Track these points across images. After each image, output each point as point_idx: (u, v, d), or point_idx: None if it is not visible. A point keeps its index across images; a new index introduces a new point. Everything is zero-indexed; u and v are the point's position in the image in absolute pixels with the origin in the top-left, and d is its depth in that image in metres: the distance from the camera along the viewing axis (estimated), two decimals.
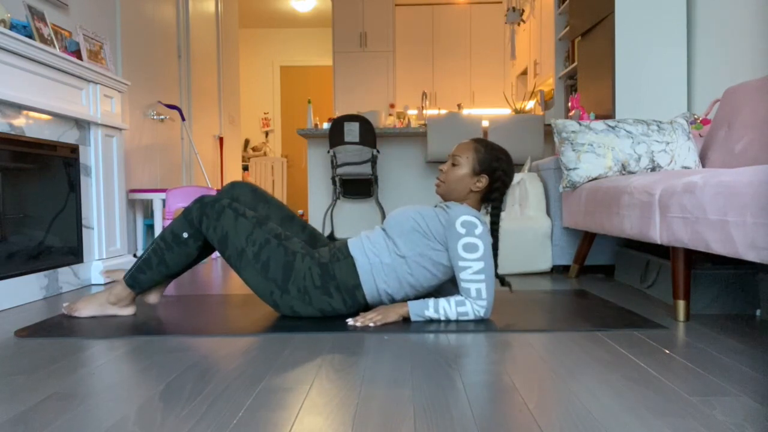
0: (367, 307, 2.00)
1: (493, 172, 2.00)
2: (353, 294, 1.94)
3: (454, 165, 2.02)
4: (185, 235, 1.97)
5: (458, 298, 1.90)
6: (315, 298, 1.92)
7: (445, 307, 1.89)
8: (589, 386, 1.29)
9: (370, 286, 1.94)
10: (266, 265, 1.91)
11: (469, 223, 1.86)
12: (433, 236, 1.92)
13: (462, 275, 1.87)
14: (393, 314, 1.90)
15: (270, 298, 1.95)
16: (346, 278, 1.92)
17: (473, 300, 1.87)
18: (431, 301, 1.91)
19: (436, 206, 2.04)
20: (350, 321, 1.91)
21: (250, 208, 2.08)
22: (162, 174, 4.66)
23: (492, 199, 2.03)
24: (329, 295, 1.92)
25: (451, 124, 4.22)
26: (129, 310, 2.08)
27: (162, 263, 1.99)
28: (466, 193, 2.02)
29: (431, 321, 1.91)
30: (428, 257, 1.93)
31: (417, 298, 2.02)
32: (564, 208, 2.94)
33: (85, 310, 2.05)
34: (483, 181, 2.00)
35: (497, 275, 2.10)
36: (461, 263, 1.86)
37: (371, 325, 1.87)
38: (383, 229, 2.01)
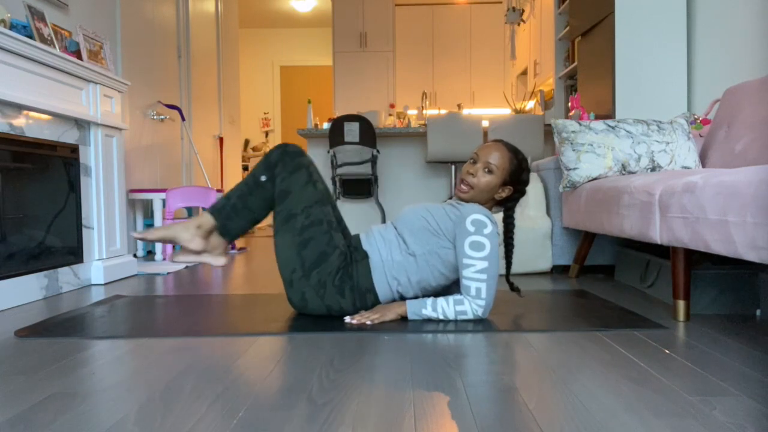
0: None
1: (518, 183, 2.02)
2: (364, 297, 1.95)
3: (489, 172, 1.97)
4: (263, 178, 1.95)
5: (457, 297, 1.90)
6: (329, 295, 1.93)
7: (443, 306, 1.89)
8: (589, 386, 1.29)
9: (382, 285, 1.95)
10: (306, 242, 1.90)
11: (479, 221, 1.86)
12: (443, 234, 1.92)
13: (465, 272, 1.87)
14: (391, 313, 1.90)
15: (289, 274, 1.93)
16: (361, 280, 1.94)
17: (472, 299, 1.87)
18: (429, 300, 1.91)
19: (445, 202, 2.04)
20: (347, 319, 1.92)
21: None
22: (162, 174, 4.66)
23: (508, 206, 2.06)
24: (342, 295, 1.93)
25: (451, 124, 4.22)
26: (221, 260, 2.02)
27: (246, 208, 1.96)
28: (488, 199, 2.02)
29: (429, 320, 1.91)
30: (438, 255, 1.93)
31: (426, 297, 2.02)
32: (564, 208, 2.94)
33: (183, 257, 2.00)
34: (507, 192, 2.01)
35: (509, 282, 2.11)
36: (465, 260, 1.86)
37: (368, 323, 1.87)
38: (394, 227, 2.02)
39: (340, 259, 1.93)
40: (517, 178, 2.01)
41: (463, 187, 2.00)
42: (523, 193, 2.05)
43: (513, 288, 2.13)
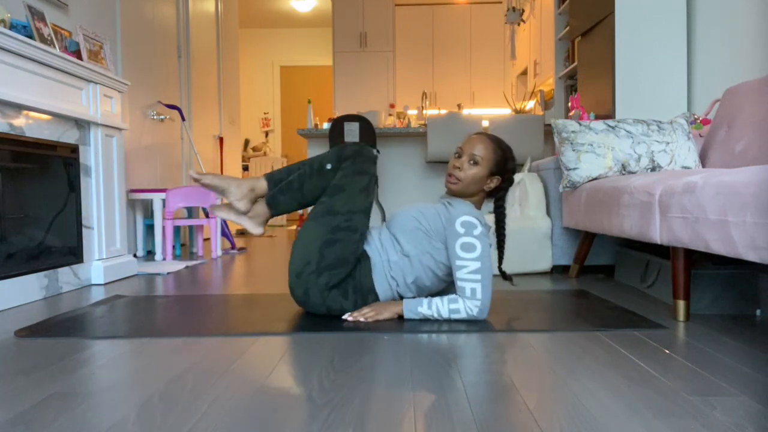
0: None
1: (504, 173, 2.02)
2: (366, 297, 1.97)
3: (474, 164, 1.97)
4: (329, 166, 1.97)
5: (452, 296, 1.90)
6: (332, 296, 1.94)
7: (438, 305, 1.89)
8: (589, 386, 1.29)
9: (383, 285, 1.96)
10: (332, 242, 1.90)
11: (468, 223, 1.87)
12: (434, 234, 1.93)
13: (458, 274, 1.87)
14: (387, 312, 1.91)
15: (302, 266, 1.93)
16: (363, 280, 1.95)
17: (467, 299, 1.87)
18: (425, 300, 1.92)
19: (438, 201, 2.05)
20: (343, 315, 1.93)
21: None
22: (162, 174, 4.66)
23: (498, 197, 2.06)
24: (345, 296, 1.94)
25: (451, 124, 4.22)
26: (259, 230, 2.02)
27: (300, 189, 1.98)
28: (477, 191, 2.02)
29: (425, 320, 1.91)
30: (431, 256, 1.94)
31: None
32: (564, 208, 2.94)
33: (224, 212, 1.99)
34: (495, 182, 2.01)
35: (501, 270, 2.12)
36: (458, 262, 1.86)
37: (362, 320, 1.88)
38: (388, 229, 2.03)
39: (351, 268, 1.94)
40: (503, 167, 2.01)
41: (451, 179, 2.00)
42: (511, 182, 2.05)
43: (505, 277, 2.15)
